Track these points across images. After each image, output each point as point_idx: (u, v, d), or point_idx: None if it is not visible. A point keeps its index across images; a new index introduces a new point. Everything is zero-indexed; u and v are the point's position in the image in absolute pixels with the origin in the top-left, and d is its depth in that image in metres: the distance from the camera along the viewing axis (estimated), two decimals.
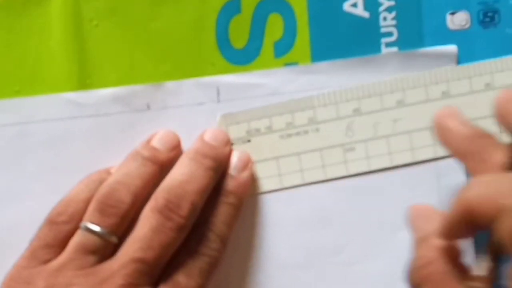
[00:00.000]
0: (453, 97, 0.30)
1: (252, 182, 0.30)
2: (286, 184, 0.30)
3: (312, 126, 0.30)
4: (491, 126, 0.29)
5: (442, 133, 0.26)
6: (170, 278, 0.26)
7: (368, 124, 0.29)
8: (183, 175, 0.27)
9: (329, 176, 0.30)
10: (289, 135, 0.30)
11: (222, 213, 0.28)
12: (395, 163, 0.30)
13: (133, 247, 0.25)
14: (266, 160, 0.30)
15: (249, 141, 0.30)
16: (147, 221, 0.26)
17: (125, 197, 0.26)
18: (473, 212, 0.20)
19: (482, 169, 0.24)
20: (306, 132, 0.30)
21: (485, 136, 0.24)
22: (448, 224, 0.21)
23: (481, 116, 0.29)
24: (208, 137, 0.29)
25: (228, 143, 0.29)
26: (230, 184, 0.28)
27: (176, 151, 0.29)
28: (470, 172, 0.24)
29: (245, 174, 0.29)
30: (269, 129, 0.30)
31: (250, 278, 0.30)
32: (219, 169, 0.28)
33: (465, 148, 0.25)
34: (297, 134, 0.30)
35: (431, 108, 0.29)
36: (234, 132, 0.30)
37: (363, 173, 0.30)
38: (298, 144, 0.30)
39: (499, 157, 0.23)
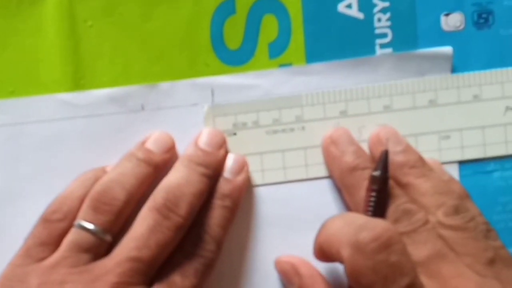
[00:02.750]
0: (440, 106, 0.30)
1: (248, 185, 0.30)
2: (268, 180, 0.31)
3: (299, 124, 0.30)
4: (479, 136, 0.30)
5: (327, 161, 0.31)
6: (165, 277, 0.27)
7: (354, 127, 0.30)
8: (180, 179, 0.28)
9: (311, 175, 0.30)
10: (275, 132, 0.30)
11: (218, 216, 0.28)
12: None
13: (129, 245, 0.26)
14: (250, 155, 0.30)
15: (235, 134, 0.30)
16: (144, 220, 0.27)
17: (119, 195, 0.27)
18: (323, 250, 0.26)
19: (352, 202, 0.29)
20: (292, 129, 0.30)
21: (361, 167, 0.29)
22: (314, 254, 0.27)
23: (468, 126, 0.30)
24: (202, 142, 0.29)
25: (223, 145, 0.30)
26: (226, 187, 0.29)
27: (170, 153, 0.29)
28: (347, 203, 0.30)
29: (240, 178, 0.29)
30: (256, 124, 0.30)
31: (244, 277, 0.30)
32: (214, 174, 0.29)
33: (342, 181, 0.30)
34: (283, 131, 0.30)
35: (417, 116, 0.30)
36: (221, 124, 0.31)
37: None
38: (283, 141, 0.30)
39: (363, 192, 0.28)
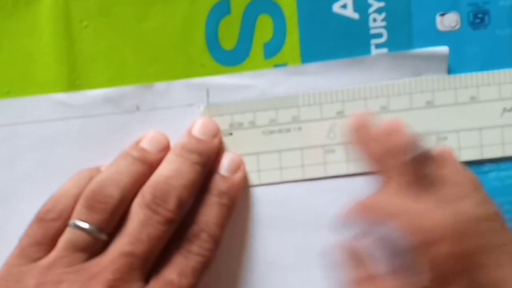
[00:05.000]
0: (437, 107, 0.31)
1: (245, 183, 0.31)
2: (264, 181, 0.31)
3: (295, 125, 0.31)
4: (476, 138, 0.30)
5: (360, 148, 0.30)
6: (161, 275, 0.27)
7: None
8: (169, 171, 0.28)
9: (307, 176, 0.31)
10: (272, 132, 0.31)
11: (215, 213, 0.29)
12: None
13: (122, 241, 0.27)
14: (247, 155, 0.31)
15: (231, 134, 0.31)
16: (135, 216, 0.27)
17: (114, 193, 0.27)
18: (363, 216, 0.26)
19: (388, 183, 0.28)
20: (288, 130, 0.31)
21: (395, 154, 0.28)
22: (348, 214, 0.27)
23: (465, 128, 0.31)
24: (196, 130, 0.30)
25: (217, 134, 0.30)
26: (223, 185, 0.29)
27: (165, 152, 0.30)
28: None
29: (238, 175, 0.30)
30: (252, 124, 0.31)
31: (240, 278, 0.31)
32: (207, 163, 0.29)
33: (379, 166, 0.29)
34: (280, 131, 0.31)
35: (414, 116, 0.31)
36: None
37: (341, 176, 0.31)
38: (280, 141, 0.31)
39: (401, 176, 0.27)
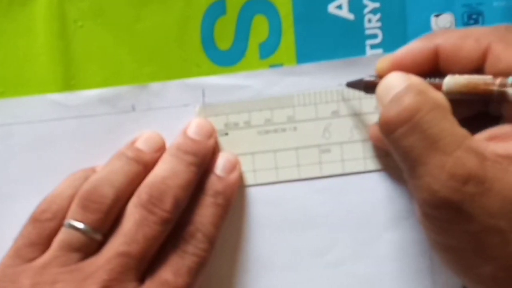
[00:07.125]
0: None
1: (241, 183, 0.31)
2: (260, 181, 0.31)
3: (290, 125, 0.31)
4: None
5: None
6: (157, 275, 0.27)
7: (346, 127, 0.31)
8: (165, 171, 0.28)
9: (303, 175, 0.31)
10: (267, 132, 0.31)
11: (211, 213, 0.29)
12: (369, 168, 0.31)
13: (118, 241, 0.27)
14: (242, 155, 0.31)
15: (226, 134, 0.31)
16: (131, 216, 0.27)
17: (108, 192, 0.27)
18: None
19: None
20: (284, 130, 0.31)
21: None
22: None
23: None
24: (191, 131, 0.30)
25: (212, 134, 0.30)
26: (219, 185, 0.30)
27: (160, 153, 0.30)
28: None
29: (233, 175, 0.30)
30: (248, 124, 0.31)
31: (236, 279, 0.31)
32: (203, 163, 0.29)
33: None
34: (275, 131, 0.31)
35: None
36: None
37: (337, 175, 0.31)
38: (275, 141, 0.31)
39: None
